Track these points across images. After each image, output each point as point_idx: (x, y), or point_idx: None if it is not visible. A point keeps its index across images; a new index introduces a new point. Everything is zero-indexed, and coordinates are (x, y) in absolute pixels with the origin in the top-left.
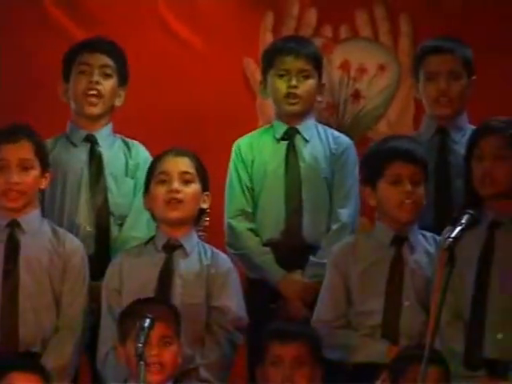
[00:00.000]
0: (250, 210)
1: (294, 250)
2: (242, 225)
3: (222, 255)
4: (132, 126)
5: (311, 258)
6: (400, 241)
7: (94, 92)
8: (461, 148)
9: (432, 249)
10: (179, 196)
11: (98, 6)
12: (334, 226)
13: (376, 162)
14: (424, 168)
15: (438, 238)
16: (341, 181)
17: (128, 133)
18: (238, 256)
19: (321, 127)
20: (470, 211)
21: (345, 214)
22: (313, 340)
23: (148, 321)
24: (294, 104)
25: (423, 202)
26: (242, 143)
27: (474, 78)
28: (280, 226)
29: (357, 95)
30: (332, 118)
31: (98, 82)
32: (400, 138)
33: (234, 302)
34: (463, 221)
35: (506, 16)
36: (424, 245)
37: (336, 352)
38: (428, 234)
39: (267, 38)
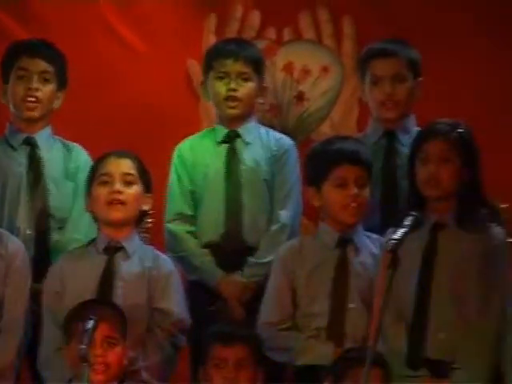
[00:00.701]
0: (189, 212)
1: (234, 252)
2: (179, 228)
3: (164, 257)
4: (75, 128)
5: (249, 258)
6: (345, 242)
7: (33, 99)
8: (408, 150)
9: (377, 250)
10: (121, 197)
11: (42, 8)
12: (274, 227)
13: (321, 163)
14: (369, 169)
15: (383, 239)
16: (281, 182)
17: (70, 135)
18: (178, 258)
19: (263, 129)
20: (414, 213)
21: (285, 215)
22: (255, 342)
23: (91, 322)
24: (233, 107)
25: (367, 205)
26: (183, 146)
27: (420, 79)
28: (220, 228)
29: (300, 97)
30: (275, 119)
31: (37, 89)
32: (345, 139)
33: (176, 304)
34: (407, 223)
35: (450, 15)
36: (369, 246)
37: (281, 354)
38: (373, 236)
39: (210, 40)
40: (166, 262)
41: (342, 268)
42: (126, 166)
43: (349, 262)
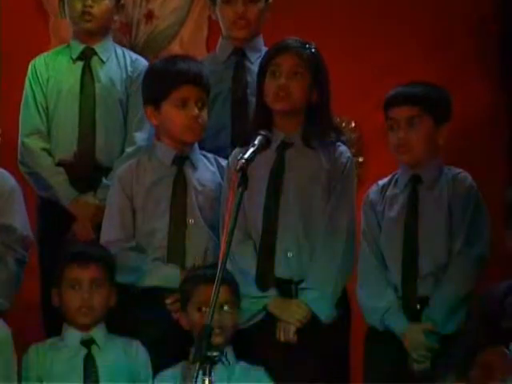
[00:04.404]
0: (44, 129)
1: (86, 171)
2: (36, 144)
3: (5, 173)
4: None
5: (104, 180)
6: (181, 160)
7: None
8: (257, 68)
9: (214, 168)
10: None
11: None
12: (129, 149)
13: (162, 83)
14: (208, 91)
15: (219, 158)
16: (137, 104)
17: None
18: (31, 175)
19: (119, 48)
20: (264, 132)
21: (140, 137)
22: (109, 261)
23: None
24: (89, 21)
25: (206, 124)
26: (38, 62)
27: (270, 1)
28: (73, 146)
29: (150, 15)
30: (125, 38)
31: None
32: (185, 59)
33: (18, 220)
34: (256, 142)
35: None
36: (205, 163)
37: (127, 275)
38: (209, 155)
39: None
40: (8, 177)
41: (180, 185)
42: None
43: (186, 179)
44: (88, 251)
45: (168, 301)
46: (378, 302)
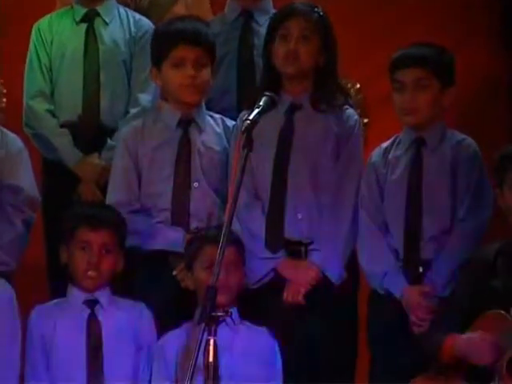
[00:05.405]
0: (48, 91)
1: (91, 132)
2: (40, 106)
3: (12, 135)
4: None
5: (108, 140)
6: (187, 122)
7: None
8: (265, 31)
9: (220, 129)
10: None
11: None
12: (133, 110)
13: (161, 44)
14: (210, 50)
15: (226, 119)
16: (141, 65)
17: None
18: (35, 136)
19: (122, 9)
20: (269, 93)
21: (145, 98)
22: (121, 228)
23: None
24: None
25: (209, 84)
26: (42, 24)
27: None
28: (78, 108)
29: None
30: None
31: None
32: (186, 19)
33: (26, 181)
34: (261, 103)
35: None
36: (212, 125)
37: (131, 238)
38: (216, 115)
39: None
40: (15, 139)
41: (185, 147)
42: None
43: (191, 142)
44: (101, 214)
45: (175, 272)
46: (376, 266)
